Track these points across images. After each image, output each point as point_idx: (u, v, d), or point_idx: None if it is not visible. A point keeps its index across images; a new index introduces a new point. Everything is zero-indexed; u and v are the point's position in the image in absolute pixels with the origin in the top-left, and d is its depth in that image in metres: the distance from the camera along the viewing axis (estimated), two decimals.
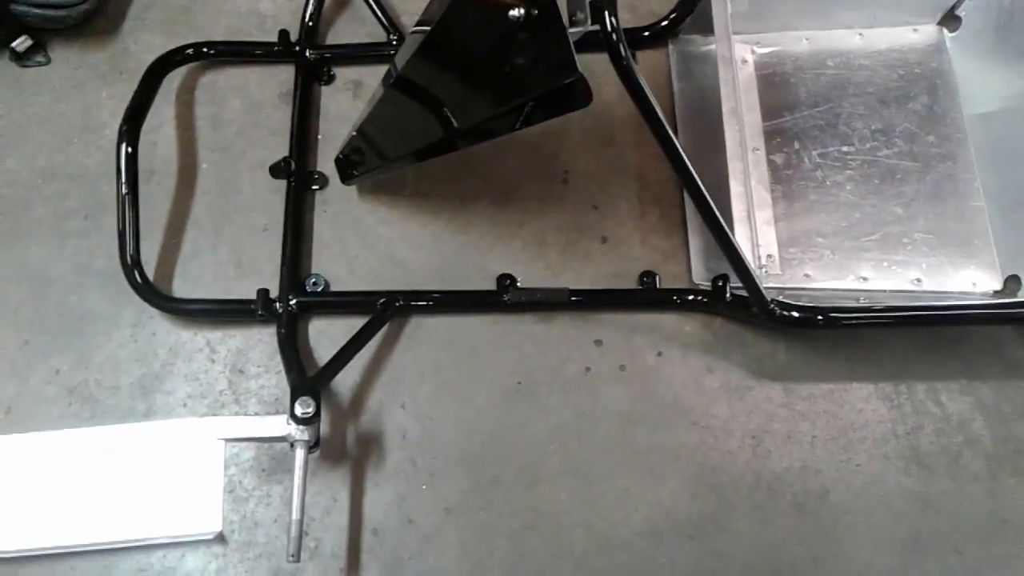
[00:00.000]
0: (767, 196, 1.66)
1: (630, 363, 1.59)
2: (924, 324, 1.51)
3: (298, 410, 1.38)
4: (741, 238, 1.49)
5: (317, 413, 1.40)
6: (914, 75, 1.76)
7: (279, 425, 1.39)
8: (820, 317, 1.46)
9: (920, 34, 1.79)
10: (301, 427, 1.38)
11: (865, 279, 1.61)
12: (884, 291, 1.60)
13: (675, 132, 1.73)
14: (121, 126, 1.58)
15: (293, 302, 1.59)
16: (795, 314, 1.45)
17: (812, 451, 1.52)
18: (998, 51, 1.69)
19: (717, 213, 1.36)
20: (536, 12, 1.15)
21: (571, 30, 1.22)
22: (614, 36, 1.21)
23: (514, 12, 1.15)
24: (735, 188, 1.53)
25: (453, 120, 1.37)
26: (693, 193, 1.35)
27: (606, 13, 1.21)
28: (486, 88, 1.29)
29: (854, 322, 1.46)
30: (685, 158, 1.32)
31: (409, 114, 1.48)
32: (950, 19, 1.78)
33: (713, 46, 1.61)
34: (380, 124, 1.55)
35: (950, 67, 1.76)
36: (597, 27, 1.21)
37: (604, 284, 1.64)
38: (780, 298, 1.48)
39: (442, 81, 1.38)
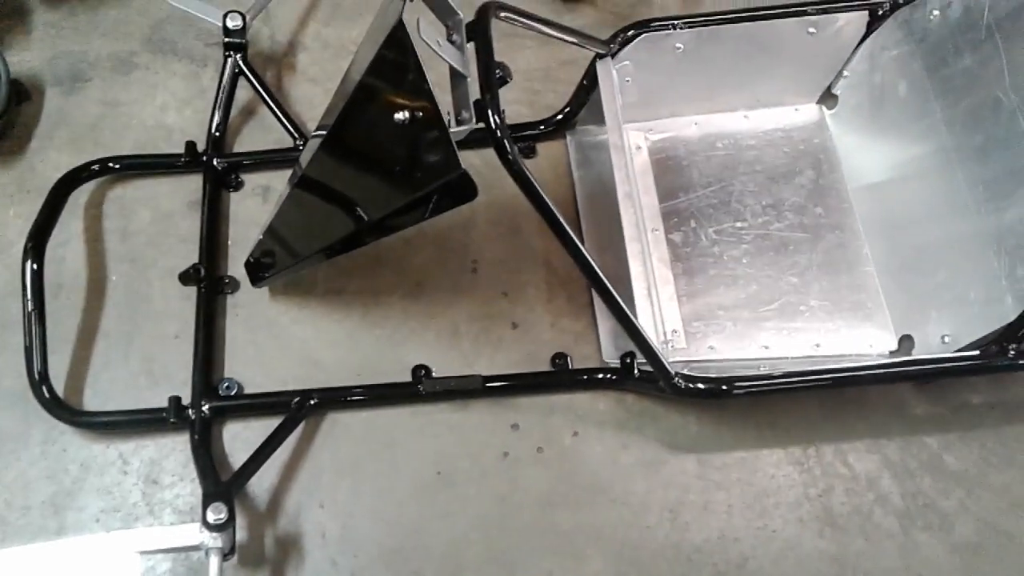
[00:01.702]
0: (668, 274, 1.73)
1: (547, 445, 1.61)
2: (824, 387, 1.56)
3: (210, 517, 1.37)
4: (645, 315, 1.54)
5: (231, 519, 1.39)
6: (799, 151, 1.86)
7: (192, 534, 1.38)
8: (724, 387, 1.50)
9: (801, 113, 1.90)
10: (214, 534, 1.37)
11: (767, 347, 1.66)
12: (786, 358, 1.66)
13: (577, 218, 1.82)
14: (26, 244, 1.59)
15: (206, 407, 1.58)
16: (700, 386, 1.49)
17: (729, 520, 1.54)
18: (874, 126, 1.80)
19: (615, 294, 1.41)
20: (420, 115, 1.20)
21: (457, 128, 1.28)
22: (499, 133, 1.27)
23: (399, 115, 1.21)
24: (635, 268, 1.58)
25: (356, 216, 1.41)
26: (589, 275, 1.40)
27: (489, 112, 1.27)
28: (382, 185, 1.34)
29: (757, 389, 1.51)
30: (579, 243, 1.37)
31: (315, 212, 1.52)
32: (828, 97, 1.90)
33: (607, 135, 1.69)
34: (287, 223, 1.58)
35: (832, 143, 1.86)
36: (482, 125, 1.27)
37: (517, 369, 1.67)
38: (685, 371, 1.52)
39: (342, 179, 1.43)
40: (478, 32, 1.33)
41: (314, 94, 1.95)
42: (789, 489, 1.57)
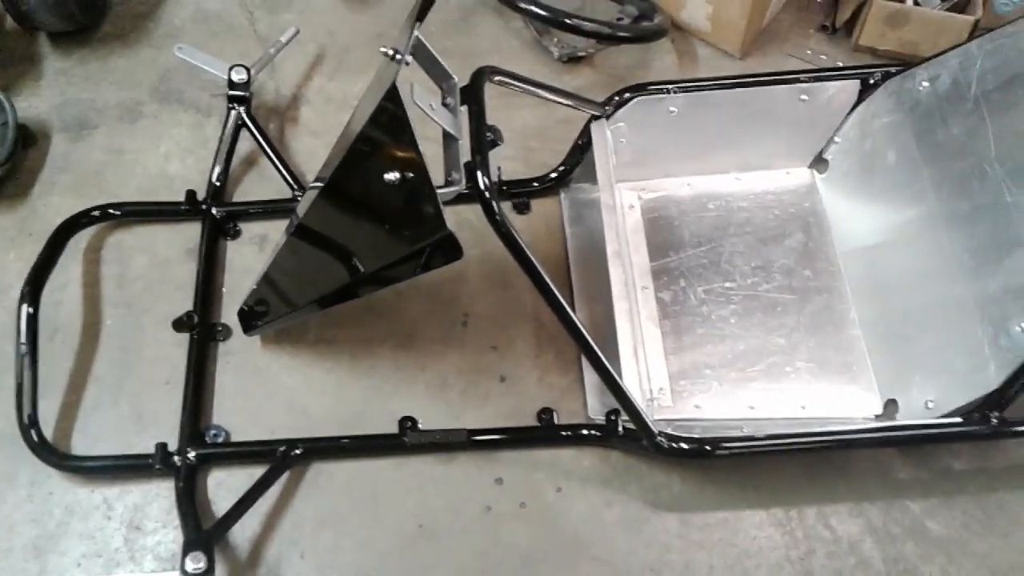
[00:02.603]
0: (656, 332, 1.74)
1: (530, 500, 1.61)
2: (808, 450, 1.57)
3: (189, 566, 1.37)
4: (631, 374, 1.55)
5: (210, 568, 1.39)
6: (789, 215, 1.88)
7: None
8: (707, 448, 1.50)
9: (793, 176, 1.93)
10: None
11: (752, 408, 1.67)
12: (772, 418, 1.66)
13: (569, 274, 1.84)
14: (23, 287, 1.62)
15: (192, 454, 1.60)
16: (683, 446, 1.50)
17: None
18: (864, 191, 1.83)
19: (599, 352, 1.43)
20: (409, 177, 1.23)
21: (447, 190, 1.31)
22: (487, 195, 1.30)
23: (389, 176, 1.24)
24: (622, 327, 1.59)
25: (348, 268, 1.44)
26: (573, 333, 1.42)
27: (478, 174, 1.30)
28: (373, 241, 1.37)
29: (740, 451, 1.51)
30: (562, 301, 1.39)
31: (309, 262, 1.55)
32: (819, 162, 1.92)
33: (599, 194, 1.72)
34: (282, 273, 1.60)
35: (822, 206, 1.89)
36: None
37: (503, 423, 1.68)
38: (670, 430, 1.53)
39: (336, 232, 1.46)
40: (471, 96, 1.37)
41: (315, 147, 1.99)
42: (771, 551, 1.56)
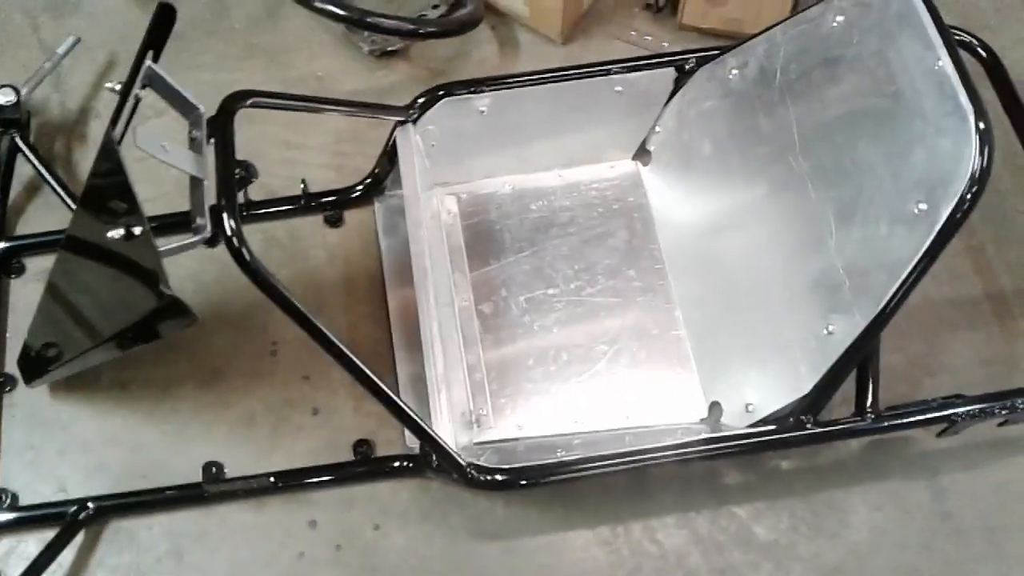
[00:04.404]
0: (478, 350, 1.66)
1: (346, 542, 1.53)
2: (632, 468, 1.51)
3: None
4: (445, 397, 1.47)
5: None
6: (613, 211, 1.81)
7: None
8: (518, 479, 1.44)
9: (617, 169, 1.85)
10: None
11: (576, 422, 1.61)
12: (595, 431, 1.60)
13: (385, 290, 1.74)
14: None
15: None
16: (495, 477, 1.43)
17: None
18: (683, 183, 1.77)
19: (378, 382, 1.35)
20: (134, 233, 1.11)
21: (190, 240, 1.19)
22: (234, 241, 1.18)
23: (112, 233, 1.11)
24: (429, 352, 1.50)
25: (95, 329, 1.31)
26: (346, 366, 1.33)
27: (225, 217, 1.19)
28: (109, 303, 1.25)
29: (554, 478, 1.45)
30: (330, 336, 1.31)
31: (68, 313, 1.42)
32: (643, 153, 1.85)
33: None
34: (49, 319, 1.47)
35: (646, 200, 1.82)
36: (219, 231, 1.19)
37: (317, 459, 1.58)
38: (490, 453, 1.47)
39: (79, 288, 1.33)
40: (217, 128, 1.24)
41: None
42: (595, 573, 1.52)
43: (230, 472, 1.56)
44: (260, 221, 1.79)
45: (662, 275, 1.74)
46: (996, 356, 1.70)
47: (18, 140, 1.74)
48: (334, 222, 1.81)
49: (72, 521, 1.48)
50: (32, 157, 1.74)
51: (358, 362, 1.32)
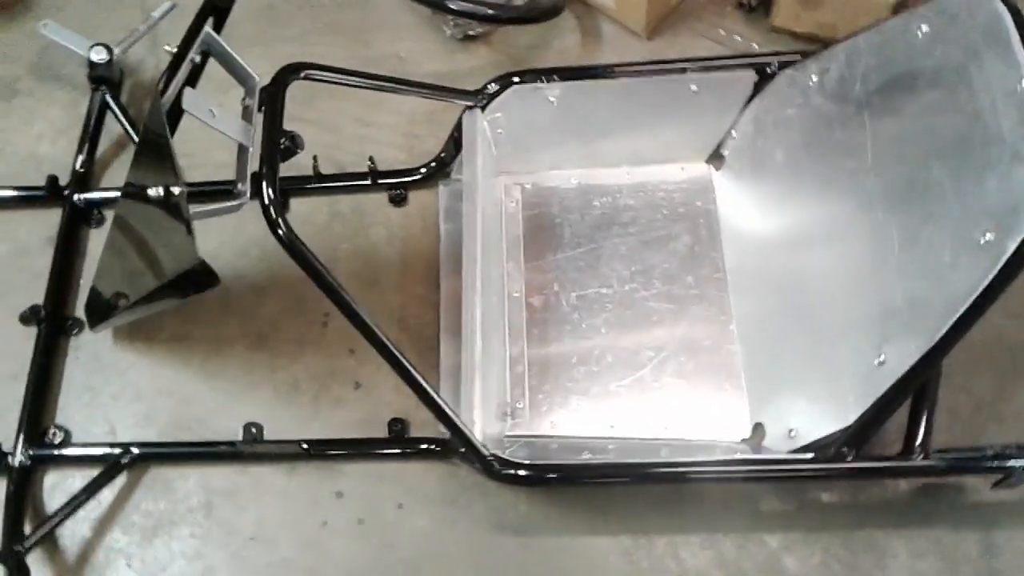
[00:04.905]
0: (522, 342, 1.64)
1: (369, 517, 1.55)
2: (663, 482, 1.48)
3: None
4: (478, 385, 1.46)
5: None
6: (678, 214, 1.75)
7: None
8: (550, 475, 1.43)
9: (688, 172, 1.80)
10: None
11: (613, 427, 1.57)
12: (629, 439, 1.56)
13: (438, 275, 1.74)
14: None
15: (26, 455, 1.55)
16: (520, 472, 1.41)
17: None
18: (755, 192, 1.70)
19: (407, 364, 1.35)
20: (172, 193, 1.15)
21: (227, 204, 1.22)
22: (271, 210, 1.20)
23: (152, 191, 1.15)
24: (476, 335, 1.49)
25: (144, 279, 1.36)
26: (373, 343, 1.34)
27: (264, 185, 1.21)
28: (155, 257, 1.29)
29: (580, 481, 1.43)
30: (358, 311, 1.32)
31: (126, 261, 1.48)
32: (717, 157, 1.79)
33: None
34: (110, 268, 1.54)
35: (715, 207, 1.75)
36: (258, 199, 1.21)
37: (353, 432, 1.61)
38: (522, 448, 1.47)
39: (131, 241, 1.38)
40: (268, 99, 1.26)
41: (189, 128, 1.89)
42: None
43: (268, 435, 1.60)
44: (327, 195, 1.82)
45: (722, 286, 1.68)
46: None
47: (108, 97, 1.82)
48: (398, 202, 1.83)
49: (115, 463, 1.55)
50: (120, 115, 1.82)
51: (384, 339, 1.33)
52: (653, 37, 1.96)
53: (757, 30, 1.96)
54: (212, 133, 1.27)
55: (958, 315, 1.21)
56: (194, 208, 1.18)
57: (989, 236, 1.18)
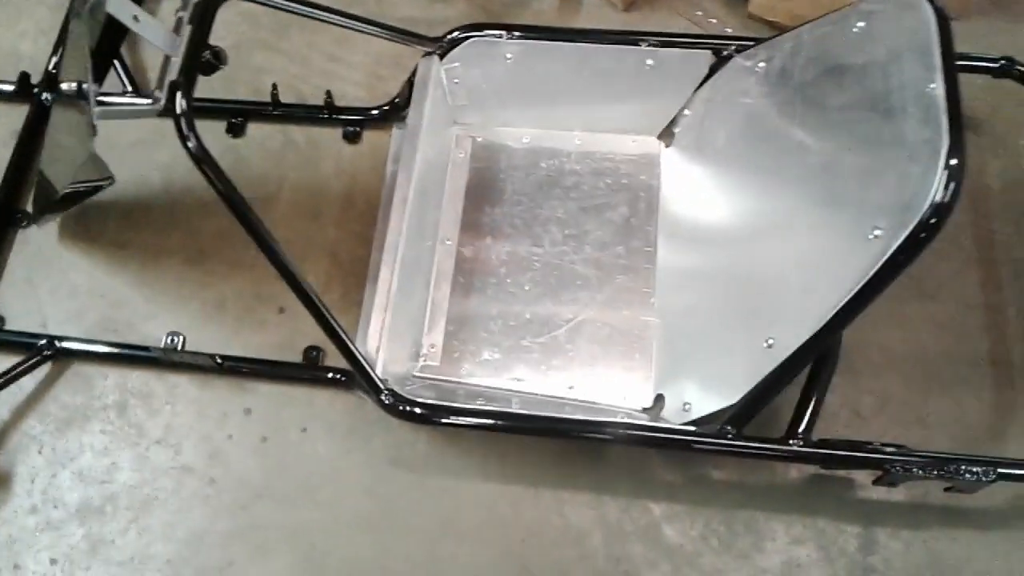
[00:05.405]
0: (446, 288, 1.68)
1: (273, 436, 1.60)
2: (546, 435, 1.51)
3: None
4: (381, 318, 1.50)
5: None
6: (621, 185, 1.77)
7: None
8: (437, 416, 1.45)
9: (638, 145, 1.81)
10: None
11: (520, 380, 1.61)
12: (535, 394, 1.60)
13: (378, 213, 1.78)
14: None
15: None
16: (416, 410, 1.44)
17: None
18: (694, 173, 1.71)
19: (309, 291, 1.39)
20: (79, 87, 1.19)
21: (143, 104, 1.26)
22: (181, 119, 1.24)
23: (66, 86, 1.19)
24: (393, 272, 1.53)
25: (62, 172, 1.41)
26: (276, 265, 1.37)
27: (178, 95, 1.25)
28: (72, 151, 1.34)
29: (469, 423, 1.46)
30: (264, 233, 1.35)
31: (55, 152, 1.52)
32: (668, 134, 1.80)
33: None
34: (48, 158, 1.59)
35: (658, 182, 1.77)
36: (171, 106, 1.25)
37: (270, 354, 1.65)
38: (429, 390, 1.50)
39: (60, 128, 1.42)
40: (198, 11, 1.30)
41: None
42: (492, 527, 1.52)
43: (189, 347, 1.64)
44: (283, 122, 1.86)
45: (650, 259, 1.70)
46: (979, 423, 1.58)
47: None
48: (352, 139, 1.86)
49: (39, 352, 1.61)
50: None
51: (286, 262, 1.37)
52: (629, 9, 1.96)
53: (735, 16, 1.96)
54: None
55: (839, 306, 1.22)
56: (105, 106, 1.22)
57: (878, 231, 1.19)
